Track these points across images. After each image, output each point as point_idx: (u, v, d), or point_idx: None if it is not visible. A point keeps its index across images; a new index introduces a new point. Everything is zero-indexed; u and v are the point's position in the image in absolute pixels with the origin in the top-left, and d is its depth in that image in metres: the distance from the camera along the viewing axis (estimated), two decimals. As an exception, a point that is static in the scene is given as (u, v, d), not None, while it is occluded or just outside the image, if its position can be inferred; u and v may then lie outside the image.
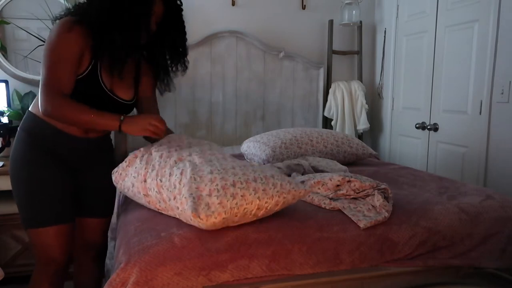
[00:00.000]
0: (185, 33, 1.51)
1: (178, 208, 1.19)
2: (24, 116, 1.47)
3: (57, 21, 1.35)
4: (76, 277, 1.66)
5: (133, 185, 1.34)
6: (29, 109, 1.46)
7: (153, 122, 1.34)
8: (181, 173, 1.23)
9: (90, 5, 1.35)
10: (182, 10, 1.48)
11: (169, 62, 1.53)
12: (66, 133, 1.42)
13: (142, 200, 1.34)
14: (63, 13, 1.38)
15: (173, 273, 1.08)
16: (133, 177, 1.34)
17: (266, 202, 1.20)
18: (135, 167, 1.36)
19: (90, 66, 1.36)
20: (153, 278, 1.07)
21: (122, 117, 1.33)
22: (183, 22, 1.49)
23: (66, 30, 1.30)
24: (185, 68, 1.55)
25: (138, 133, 1.34)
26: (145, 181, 1.31)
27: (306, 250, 1.20)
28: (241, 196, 1.17)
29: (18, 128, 1.46)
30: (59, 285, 1.48)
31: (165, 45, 1.49)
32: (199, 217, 1.12)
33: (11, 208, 2.20)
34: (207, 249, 1.13)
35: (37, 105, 1.40)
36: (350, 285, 1.22)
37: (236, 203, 1.16)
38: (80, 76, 1.36)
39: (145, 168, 1.32)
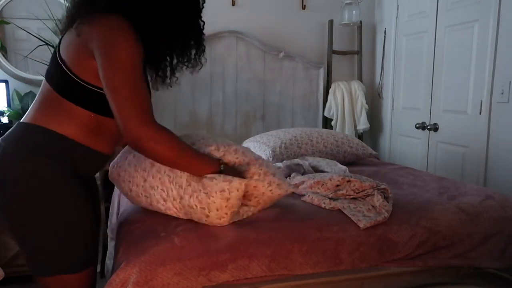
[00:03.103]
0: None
1: (193, 206, 1.18)
2: (30, 135, 1.09)
3: (102, 19, 1.04)
4: None
5: (131, 190, 1.30)
6: (38, 123, 1.09)
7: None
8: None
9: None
10: None
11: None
12: (97, 151, 1.15)
13: (143, 204, 1.32)
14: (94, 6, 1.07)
15: (173, 273, 1.08)
16: (128, 181, 1.29)
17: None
18: (130, 168, 1.29)
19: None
20: (153, 278, 1.06)
21: (222, 166, 1.14)
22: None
23: (130, 34, 1.03)
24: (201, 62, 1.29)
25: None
26: (145, 180, 1.26)
27: (306, 250, 1.20)
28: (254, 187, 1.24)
29: (25, 154, 1.07)
30: None
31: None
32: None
33: (11, 208, 2.20)
34: (207, 249, 1.13)
35: (55, 119, 1.09)
36: (350, 285, 1.22)
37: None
38: None
39: (143, 168, 1.26)
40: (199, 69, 1.28)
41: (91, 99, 1.08)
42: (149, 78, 1.24)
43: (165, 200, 1.24)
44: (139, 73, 1.04)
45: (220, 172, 1.14)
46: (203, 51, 1.27)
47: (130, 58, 1.02)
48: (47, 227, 1.08)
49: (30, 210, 1.06)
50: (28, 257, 1.11)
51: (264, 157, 2.14)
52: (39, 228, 1.07)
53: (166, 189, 1.22)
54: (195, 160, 1.11)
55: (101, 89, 1.05)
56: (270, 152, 2.14)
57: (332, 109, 3.10)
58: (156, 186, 1.23)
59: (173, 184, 1.21)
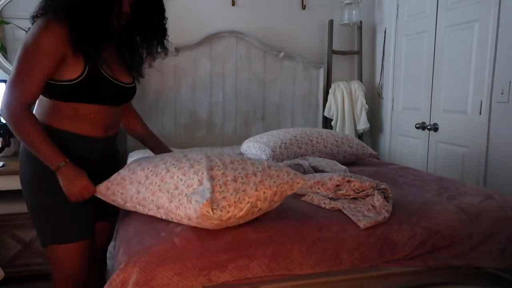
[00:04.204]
0: (163, 13, 1.42)
1: (178, 208, 1.18)
2: None
3: (34, 22, 1.26)
4: None
5: (125, 202, 1.29)
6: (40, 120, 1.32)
7: (84, 193, 1.28)
8: (184, 174, 1.22)
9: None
10: None
11: (145, 45, 1.44)
12: (88, 136, 1.35)
13: (141, 211, 1.32)
14: (37, 12, 1.27)
15: (173, 273, 1.08)
16: (121, 193, 1.29)
17: (264, 193, 1.19)
18: (123, 184, 1.30)
19: (87, 66, 1.28)
20: (153, 278, 1.07)
21: (63, 162, 1.24)
22: (160, 1, 1.41)
23: (44, 27, 1.20)
24: (166, 50, 1.46)
25: (66, 190, 1.26)
26: (138, 193, 1.26)
27: (306, 250, 1.20)
28: (243, 191, 1.16)
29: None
30: None
31: (141, 27, 1.40)
32: (211, 208, 1.09)
33: (12, 208, 2.20)
34: (207, 249, 1.13)
35: (48, 115, 1.32)
36: (350, 285, 1.22)
37: (239, 198, 1.15)
38: (80, 79, 1.26)
39: (138, 180, 1.28)
40: (165, 54, 1.48)
41: (55, 90, 1.28)
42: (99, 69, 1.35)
43: (158, 207, 1.24)
44: (42, 63, 1.22)
45: (59, 166, 1.25)
46: (163, 37, 1.44)
47: (37, 46, 1.21)
48: (42, 206, 1.33)
49: (33, 193, 1.34)
50: (36, 232, 1.38)
51: (264, 157, 2.14)
52: (38, 207, 1.33)
53: (156, 198, 1.22)
54: (41, 152, 1.24)
55: (57, 80, 1.27)
56: (270, 152, 2.14)
57: (332, 109, 3.10)
58: (147, 197, 1.24)
59: (162, 192, 1.21)
